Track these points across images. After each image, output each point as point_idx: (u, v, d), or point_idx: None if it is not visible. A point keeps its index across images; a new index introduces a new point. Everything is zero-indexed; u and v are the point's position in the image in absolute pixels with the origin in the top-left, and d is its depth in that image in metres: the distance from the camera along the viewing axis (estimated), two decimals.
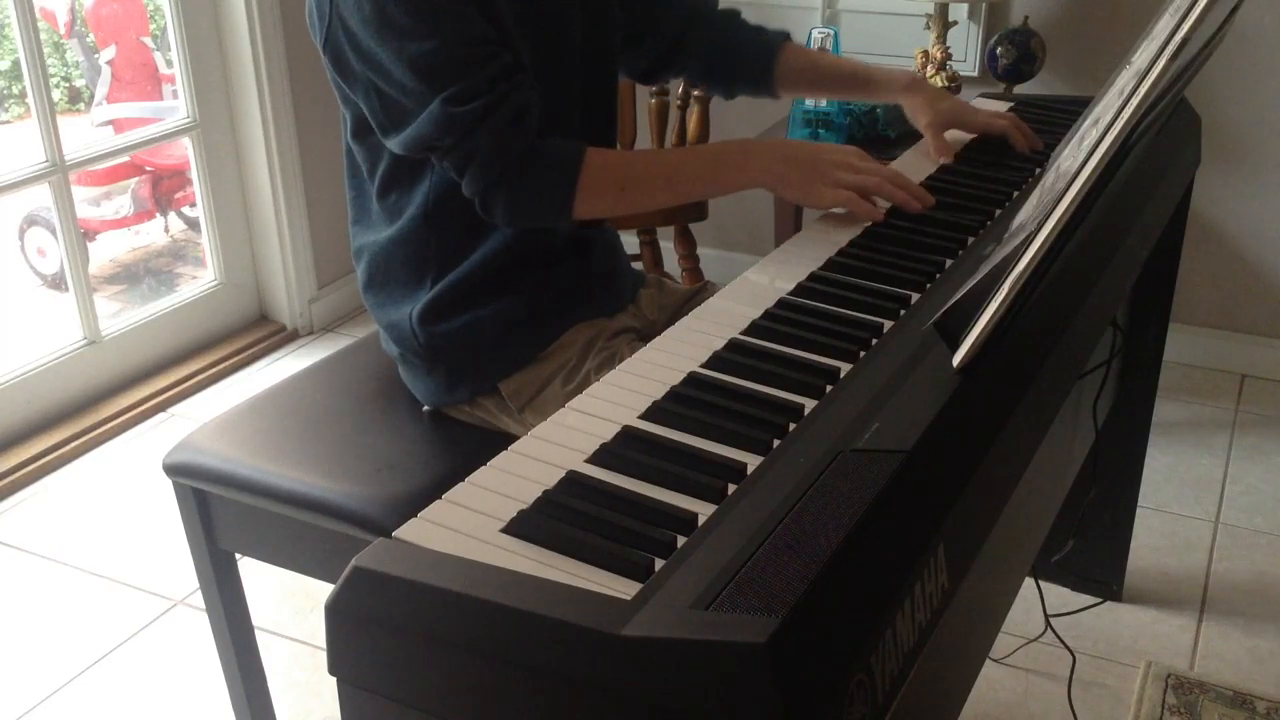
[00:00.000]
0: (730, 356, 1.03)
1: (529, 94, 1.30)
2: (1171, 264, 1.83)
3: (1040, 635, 1.89)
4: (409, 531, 0.79)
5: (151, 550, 2.21)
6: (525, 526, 0.80)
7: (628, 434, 0.91)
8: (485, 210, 1.32)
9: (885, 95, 1.62)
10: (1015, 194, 1.44)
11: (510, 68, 1.29)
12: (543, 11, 1.36)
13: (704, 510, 0.82)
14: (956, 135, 1.62)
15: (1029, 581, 1.89)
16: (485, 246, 1.39)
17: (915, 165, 1.55)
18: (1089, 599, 2.02)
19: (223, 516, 1.45)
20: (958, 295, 0.92)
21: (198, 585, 1.54)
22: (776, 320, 1.10)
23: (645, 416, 0.94)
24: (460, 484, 0.85)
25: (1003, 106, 1.81)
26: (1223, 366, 2.82)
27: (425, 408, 1.48)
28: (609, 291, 1.49)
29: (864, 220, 1.33)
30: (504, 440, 0.93)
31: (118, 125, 3.71)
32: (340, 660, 0.75)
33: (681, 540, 0.78)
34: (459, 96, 1.25)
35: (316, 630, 1.99)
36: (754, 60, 1.60)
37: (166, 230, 4.06)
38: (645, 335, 1.47)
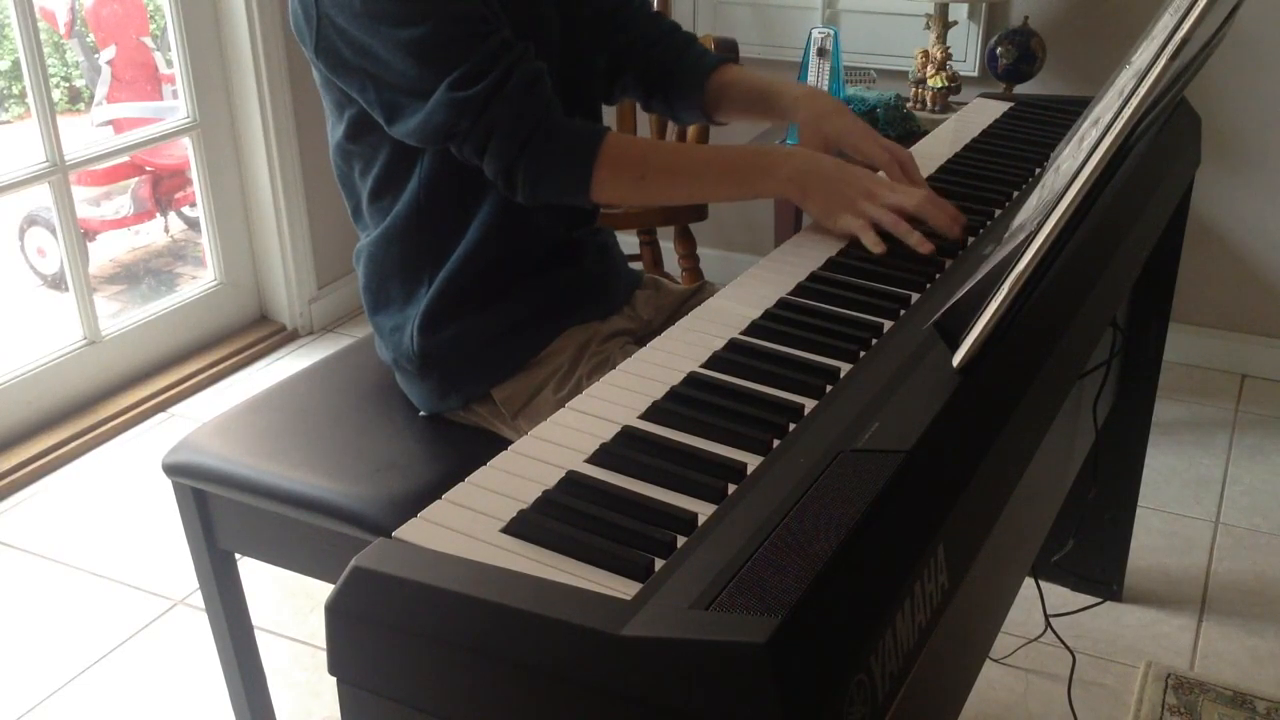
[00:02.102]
0: (730, 356, 1.03)
1: (536, 63, 1.29)
2: (1171, 264, 1.83)
3: (1040, 635, 1.89)
4: (409, 531, 0.79)
5: (151, 550, 2.21)
6: (525, 526, 0.80)
7: (627, 434, 0.91)
8: (509, 186, 1.30)
9: (785, 114, 1.50)
10: (1015, 194, 1.44)
11: (508, 42, 1.28)
12: (520, 5, 1.35)
13: (704, 510, 0.82)
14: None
15: (1029, 581, 1.89)
16: (474, 235, 1.37)
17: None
18: (1089, 599, 2.02)
19: (222, 516, 1.45)
20: (958, 295, 0.92)
21: (198, 585, 1.54)
22: (776, 320, 1.10)
23: (645, 416, 0.94)
24: (460, 484, 0.85)
25: (1003, 106, 1.81)
26: (1223, 366, 2.82)
27: (421, 413, 1.48)
28: (602, 295, 1.49)
29: (870, 250, 1.27)
30: (502, 441, 0.93)
31: (118, 125, 3.71)
32: (340, 660, 0.75)
33: (681, 540, 0.78)
34: (463, 79, 1.24)
35: (316, 630, 1.99)
36: (689, 88, 1.54)
37: (166, 230, 4.06)
38: (640, 337, 1.47)
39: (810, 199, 1.31)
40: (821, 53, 2.48)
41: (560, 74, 1.39)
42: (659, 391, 0.98)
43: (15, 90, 4.51)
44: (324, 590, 1.79)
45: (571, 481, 0.85)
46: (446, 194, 1.36)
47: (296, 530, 1.37)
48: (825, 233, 1.32)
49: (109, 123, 3.75)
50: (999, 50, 2.52)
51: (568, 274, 1.44)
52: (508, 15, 1.32)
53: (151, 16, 3.95)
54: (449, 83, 1.24)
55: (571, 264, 1.45)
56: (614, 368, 1.04)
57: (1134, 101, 0.90)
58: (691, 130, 2.56)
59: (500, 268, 1.39)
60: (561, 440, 0.91)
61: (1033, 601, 1.93)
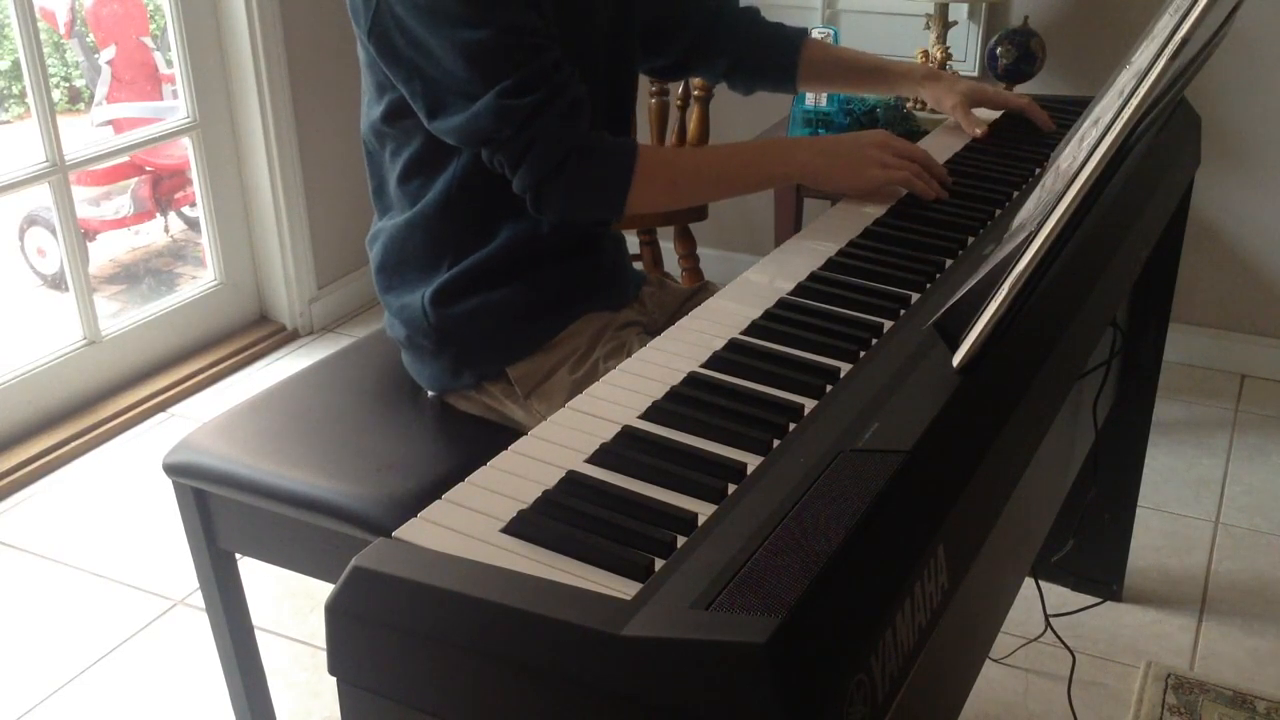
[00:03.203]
0: (730, 356, 1.03)
1: (580, 87, 1.31)
2: (1171, 264, 1.83)
3: (1040, 635, 1.89)
4: (409, 531, 0.79)
5: (151, 550, 2.21)
6: (525, 526, 0.80)
7: (628, 434, 0.91)
8: (538, 204, 1.32)
9: (904, 88, 1.68)
10: (1015, 194, 1.44)
11: (560, 60, 1.30)
12: (573, 4, 1.37)
13: (704, 510, 0.82)
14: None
15: (1029, 581, 1.89)
16: (502, 236, 1.40)
17: (945, 144, 1.60)
18: (1089, 599, 2.02)
19: (223, 516, 1.45)
20: (958, 295, 0.92)
21: (198, 585, 1.54)
22: (776, 320, 1.10)
23: (645, 416, 0.94)
24: (460, 484, 0.85)
25: None
26: (1223, 366, 2.82)
27: (430, 393, 1.49)
28: (618, 286, 1.51)
29: (924, 197, 1.38)
30: (505, 436, 0.93)
31: (118, 125, 3.71)
32: (340, 660, 0.75)
33: (681, 540, 0.78)
34: (515, 89, 1.25)
35: (316, 630, 1.99)
36: (778, 58, 1.64)
37: (166, 230, 4.06)
38: (651, 331, 1.48)
39: (832, 174, 1.39)
40: None
41: (605, 76, 1.44)
42: (659, 391, 0.98)
43: (15, 90, 4.51)
44: (324, 590, 1.79)
45: (571, 481, 0.85)
46: (480, 191, 1.38)
47: (296, 530, 1.37)
48: (826, 233, 1.32)
49: (109, 123, 3.75)
50: (999, 50, 2.52)
51: (587, 262, 1.46)
52: (559, 16, 1.34)
53: (151, 16, 3.95)
54: (499, 90, 1.25)
55: (591, 253, 1.46)
56: (630, 353, 1.04)
57: (1134, 101, 0.90)
58: (692, 130, 2.56)
59: (524, 256, 1.41)
60: (561, 440, 0.91)
61: (1033, 601, 1.93)
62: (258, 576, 2.07)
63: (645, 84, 2.76)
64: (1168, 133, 1.56)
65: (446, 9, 1.23)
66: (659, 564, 0.76)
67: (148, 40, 3.91)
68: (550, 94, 1.27)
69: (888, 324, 1.09)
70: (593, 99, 1.41)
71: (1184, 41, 0.91)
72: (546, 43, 1.29)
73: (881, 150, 1.38)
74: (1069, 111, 1.76)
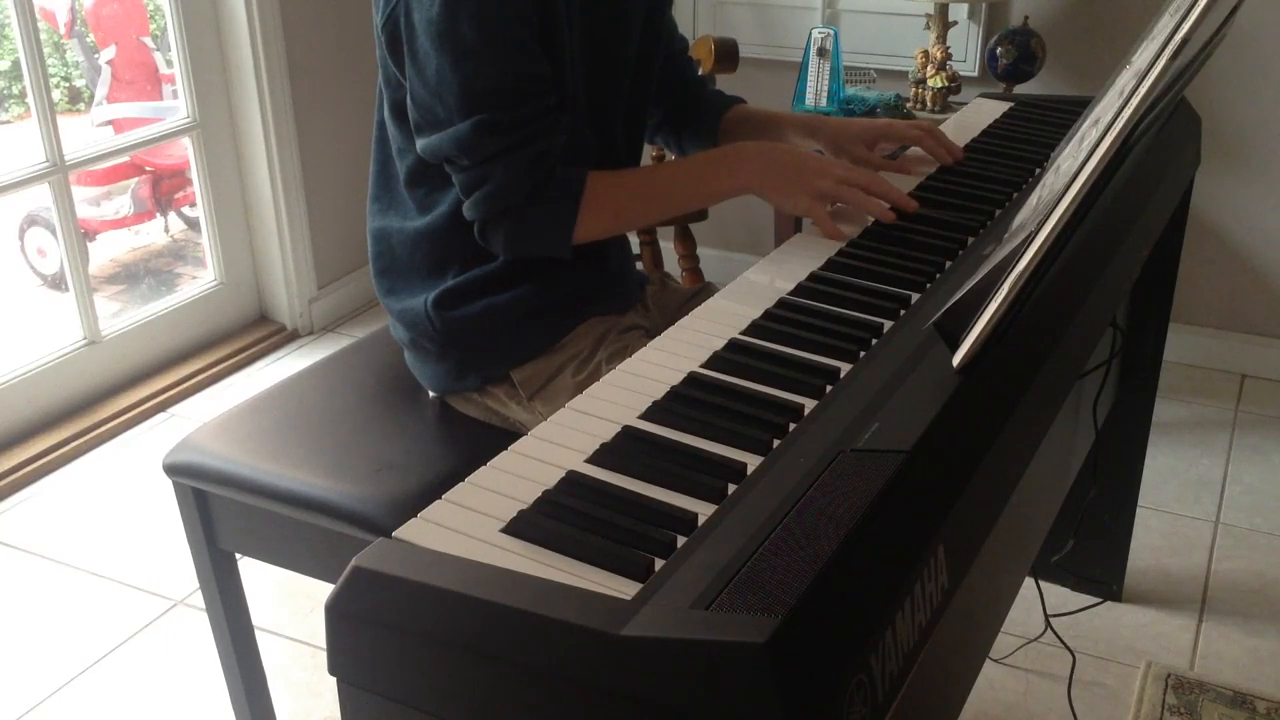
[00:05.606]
0: (730, 356, 1.03)
1: (556, 138, 1.32)
2: (1171, 264, 1.83)
3: (1040, 635, 1.89)
4: (409, 531, 0.79)
5: (151, 550, 2.21)
6: (525, 526, 0.80)
7: (628, 434, 0.91)
8: (483, 238, 1.35)
9: (792, 137, 1.60)
10: (1015, 194, 1.44)
11: (550, 108, 1.30)
12: (605, 39, 1.38)
13: (704, 510, 0.82)
14: (959, 135, 1.62)
15: (1029, 581, 1.89)
16: None
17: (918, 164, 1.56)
18: (1089, 599, 2.02)
19: (223, 516, 1.45)
20: (958, 295, 0.92)
21: (198, 585, 1.54)
22: (776, 320, 1.10)
23: (645, 416, 0.94)
24: (460, 484, 0.85)
25: (1003, 106, 1.81)
26: (1223, 366, 2.82)
27: (432, 394, 1.49)
28: (622, 289, 1.51)
29: (824, 236, 1.32)
30: (506, 437, 0.93)
31: (118, 125, 3.71)
32: (340, 660, 0.75)
33: (681, 540, 0.78)
34: (490, 125, 1.27)
35: (316, 630, 1.99)
36: (705, 122, 1.63)
37: (166, 230, 4.06)
38: (653, 333, 1.48)
39: (770, 187, 1.36)
40: (821, 53, 2.48)
41: (625, 109, 1.45)
42: (659, 391, 0.98)
43: (15, 90, 4.51)
44: (324, 590, 1.79)
45: (571, 481, 0.85)
46: None
47: (296, 530, 1.38)
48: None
49: (109, 123, 3.75)
50: (999, 50, 2.52)
51: (593, 266, 1.46)
52: (589, 50, 1.35)
53: (151, 16, 3.95)
54: (476, 122, 1.27)
55: (596, 257, 1.46)
56: (632, 355, 1.04)
57: (1134, 101, 0.90)
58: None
59: (528, 265, 1.41)
60: (561, 440, 0.91)
61: (1033, 601, 1.93)
62: (258, 576, 2.07)
63: None
64: (1168, 133, 1.56)
65: (461, 40, 1.24)
66: (659, 564, 0.76)
67: (148, 40, 3.91)
68: (522, 140, 1.28)
69: (888, 324, 1.09)
70: (610, 131, 1.44)
71: (1184, 41, 0.91)
72: (545, 89, 1.30)
73: (821, 177, 1.33)
74: (1069, 111, 1.76)
